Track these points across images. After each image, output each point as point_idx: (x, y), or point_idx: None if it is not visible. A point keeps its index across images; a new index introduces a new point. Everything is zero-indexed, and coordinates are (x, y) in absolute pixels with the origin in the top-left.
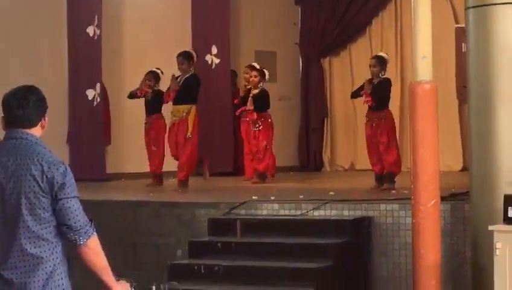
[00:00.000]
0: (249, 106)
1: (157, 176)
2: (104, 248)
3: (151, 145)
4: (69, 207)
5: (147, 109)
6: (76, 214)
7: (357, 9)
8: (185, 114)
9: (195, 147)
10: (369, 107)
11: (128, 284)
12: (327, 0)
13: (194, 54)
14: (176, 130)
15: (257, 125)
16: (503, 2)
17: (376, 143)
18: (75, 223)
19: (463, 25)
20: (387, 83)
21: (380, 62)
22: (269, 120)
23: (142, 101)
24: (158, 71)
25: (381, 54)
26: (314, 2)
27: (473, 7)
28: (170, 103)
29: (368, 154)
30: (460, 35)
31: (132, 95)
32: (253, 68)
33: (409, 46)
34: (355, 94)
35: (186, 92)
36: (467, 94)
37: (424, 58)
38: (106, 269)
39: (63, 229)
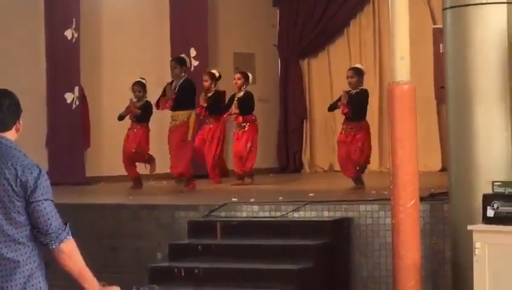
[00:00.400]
0: (234, 109)
1: (137, 179)
2: (83, 251)
3: (131, 149)
4: (41, 210)
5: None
6: (48, 217)
7: (335, 11)
8: (186, 119)
9: (192, 149)
10: (346, 117)
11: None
12: (305, 2)
13: (187, 60)
14: (176, 133)
15: (243, 127)
16: (480, 2)
17: (348, 152)
18: (46, 226)
19: (440, 26)
20: (365, 94)
21: (358, 73)
22: (255, 122)
23: (121, 104)
24: (144, 81)
25: (358, 65)
26: (293, 3)
27: (450, 8)
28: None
29: (337, 158)
30: (438, 36)
31: (122, 117)
32: (211, 75)
33: (386, 48)
34: (332, 107)
35: (183, 98)
36: (444, 95)
37: (402, 59)
38: (82, 274)
39: (35, 233)
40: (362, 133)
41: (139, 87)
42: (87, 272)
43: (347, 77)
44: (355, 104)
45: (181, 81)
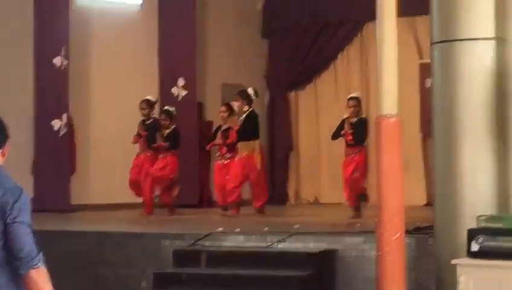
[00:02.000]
0: (218, 140)
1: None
2: (66, 279)
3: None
4: (15, 233)
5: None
6: (21, 241)
7: (323, 44)
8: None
9: None
10: (347, 145)
11: None
12: (294, 35)
13: (252, 92)
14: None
15: (226, 158)
16: (468, 38)
17: (347, 173)
18: (18, 250)
19: (427, 61)
20: (366, 122)
21: (358, 102)
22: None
23: (108, 132)
24: (152, 99)
25: (357, 94)
26: (282, 36)
27: (438, 42)
28: None
29: (344, 187)
30: (425, 71)
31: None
32: (148, 102)
33: (373, 81)
34: (336, 135)
35: (247, 130)
36: (431, 129)
37: (390, 93)
38: None
39: (5, 255)
40: (360, 155)
41: (145, 104)
42: None
43: (349, 106)
44: (357, 132)
45: (244, 115)
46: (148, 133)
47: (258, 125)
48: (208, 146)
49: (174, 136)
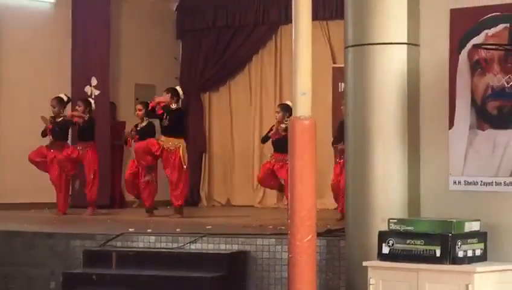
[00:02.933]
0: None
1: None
2: None
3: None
4: None
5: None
6: None
7: (237, 46)
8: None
9: None
10: (275, 149)
11: None
12: (208, 36)
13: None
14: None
15: None
16: (380, 42)
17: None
18: None
19: (340, 65)
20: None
21: (284, 109)
22: None
23: (19, 130)
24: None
25: (287, 102)
26: (195, 37)
27: (352, 46)
28: None
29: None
30: (338, 75)
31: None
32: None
33: (287, 84)
34: (265, 139)
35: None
36: (344, 132)
37: (304, 94)
38: None
39: None
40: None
41: (56, 102)
42: None
43: (276, 112)
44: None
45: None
46: (59, 130)
47: (183, 123)
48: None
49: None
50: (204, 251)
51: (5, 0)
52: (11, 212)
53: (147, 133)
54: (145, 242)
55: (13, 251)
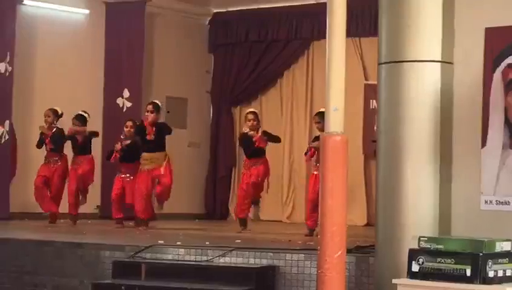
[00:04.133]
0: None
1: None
2: (3, 287)
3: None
4: None
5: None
6: None
7: (269, 61)
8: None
9: None
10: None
11: None
12: (240, 50)
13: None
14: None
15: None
16: (414, 60)
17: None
18: None
19: (372, 82)
20: None
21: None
22: None
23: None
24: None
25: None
26: (228, 51)
27: (385, 63)
28: None
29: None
30: (369, 92)
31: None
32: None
33: (318, 100)
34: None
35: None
36: (376, 149)
37: (336, 110)
38: None
39: None
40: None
41: (51, 112)
42: None
43: (315, 122)
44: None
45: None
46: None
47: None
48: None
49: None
50: (233, 265)
51: (39, 11)
52: (40, 222)
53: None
54: (174, 254)
55: (43, 260)
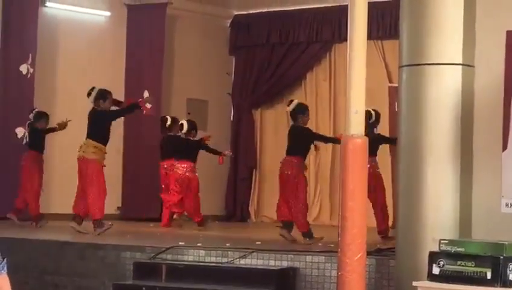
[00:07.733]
0: None
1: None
2: (26, 287)
3: None
4: None
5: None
6: None
7: (290, 63)
8: None
9: None
10: None
11: None
12: (261, 53)
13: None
14: None
15: None
16: (435, 62)
17: None
18: None
19: (396, 85)
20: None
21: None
22: None
23: (72, 142)
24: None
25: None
26: (249, 53)
27: (406, 66)
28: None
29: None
30: (393, 94)
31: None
32: None
33: (341, 102)
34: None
35: None
36: (396, 151)
37: (357, 113)
38: None
39: None
40: None
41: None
42: None
43: None
44: None
45: None
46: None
47: None
48: None
49: None
50: (253, 267)
51: (61, 13)
52: (62, 222)
53: None
54: (195, 256)
55: (64, 261)
